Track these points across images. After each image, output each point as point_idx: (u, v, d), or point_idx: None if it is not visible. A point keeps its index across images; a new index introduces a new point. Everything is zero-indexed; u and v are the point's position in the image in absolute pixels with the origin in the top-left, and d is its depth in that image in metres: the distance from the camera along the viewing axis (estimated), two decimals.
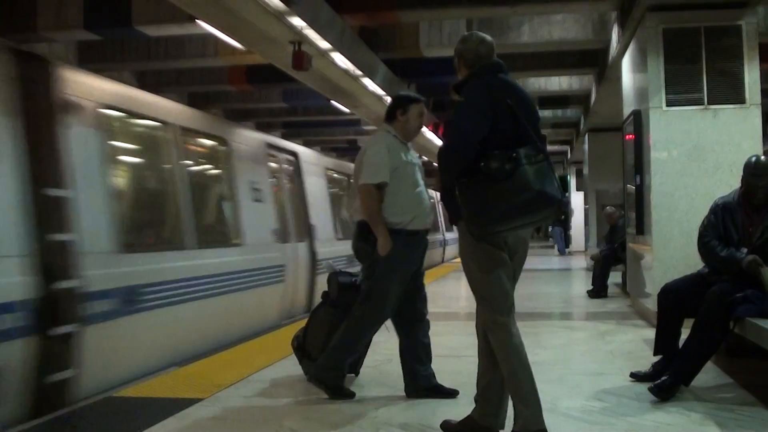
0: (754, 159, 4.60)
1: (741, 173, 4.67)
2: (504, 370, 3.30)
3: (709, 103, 6.78)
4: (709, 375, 4.65)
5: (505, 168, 3.07)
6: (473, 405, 3.55)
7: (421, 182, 4.40)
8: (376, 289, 4.25)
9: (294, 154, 9.96)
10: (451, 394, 4.29)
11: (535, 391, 3.27)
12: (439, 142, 13.14)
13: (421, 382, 4.34)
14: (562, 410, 4.00)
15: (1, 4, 8.47)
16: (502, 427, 3.42)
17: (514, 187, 3.07)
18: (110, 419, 4.10)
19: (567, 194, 24.05)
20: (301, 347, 4.86)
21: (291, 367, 5.33)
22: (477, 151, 3.15)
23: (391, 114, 4.41)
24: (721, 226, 4.58)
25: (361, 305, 4.30)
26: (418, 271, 4.41)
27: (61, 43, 10.06)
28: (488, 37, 3.54)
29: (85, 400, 4.60)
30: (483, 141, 3.17)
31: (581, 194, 19.84)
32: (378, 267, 4.21)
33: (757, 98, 6.76)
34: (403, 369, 4.42)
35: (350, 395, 4.33)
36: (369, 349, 4.94)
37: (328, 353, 4.34)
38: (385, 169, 4.21)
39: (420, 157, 4.80)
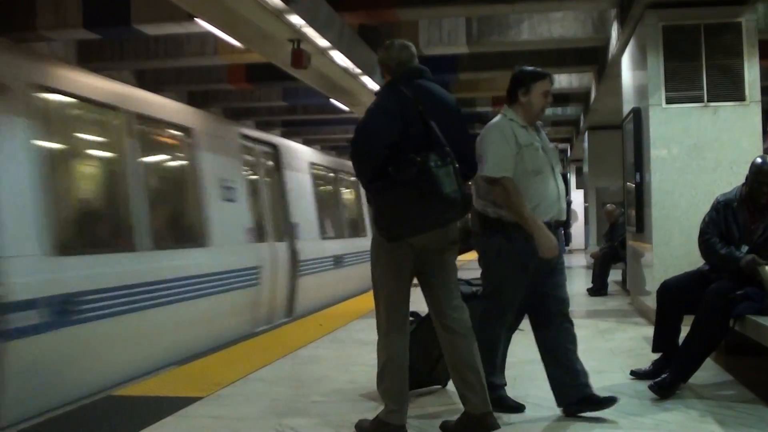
0: (760, 161, 4.49)
1: (741, 171, 4.65)
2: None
3: (709, 101, 6.77)
4: (708, 372, 4.65)
5: (411, 172, 3.18)
6: None
7: (547, 167, 3.83)
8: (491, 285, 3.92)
9: None
10: (518, 408, 3.93)
11: (406, 391, 3.45)
12: None
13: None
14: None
15: (1, 3, 8.45)
16: (491, 408, 3.46)
17: (420, 191, 3.18)
18: (110, 418, 4.10)
19: (568, 196, 23.96)
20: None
21: (290, 365, 5.33)
22: (387, 155, 3.26)
23: (512, 94, 3.87)
24: (722, 224, 4.56)
25: (478, 304, 3.93)
26: (554, 268, 3.90)
27: (60, 42, 10.05)
28: (410, 45, 3.61)
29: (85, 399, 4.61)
30: (394, 146, 3.27)
31: (581, 192, 19.82)
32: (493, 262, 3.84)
33: (757, 95, 6.75)
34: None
35: (519, 407, 3.93)
36: (369, 347, 4.91)
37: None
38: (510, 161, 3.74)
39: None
